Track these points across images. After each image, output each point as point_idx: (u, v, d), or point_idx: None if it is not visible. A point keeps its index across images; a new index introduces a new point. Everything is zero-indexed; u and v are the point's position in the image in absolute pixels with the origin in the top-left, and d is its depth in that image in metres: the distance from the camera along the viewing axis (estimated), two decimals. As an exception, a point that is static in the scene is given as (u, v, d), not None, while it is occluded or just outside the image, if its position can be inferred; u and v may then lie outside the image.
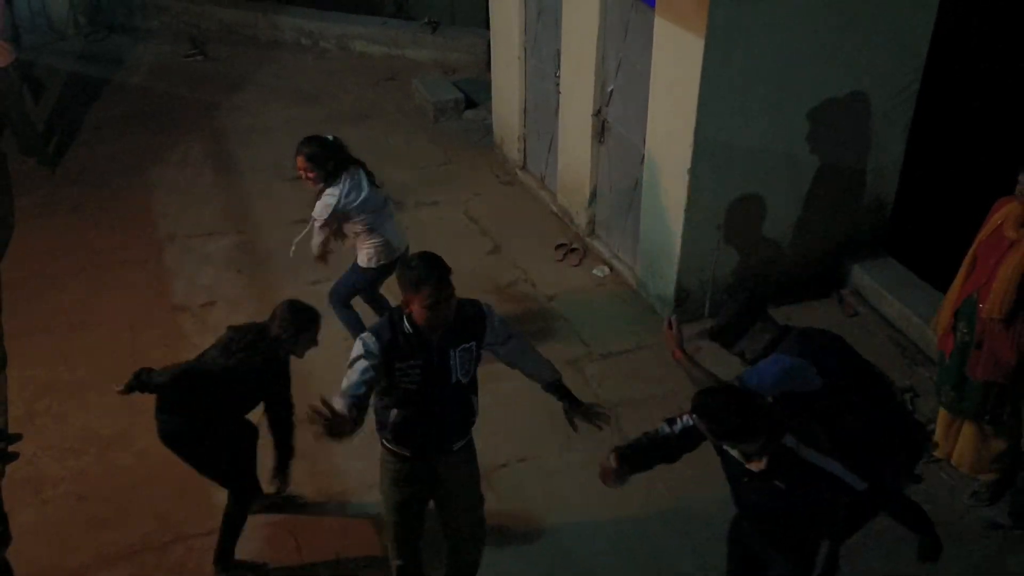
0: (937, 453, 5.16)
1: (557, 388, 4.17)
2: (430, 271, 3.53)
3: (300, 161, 5.46)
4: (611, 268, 7.11)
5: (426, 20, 11.09)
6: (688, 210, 6.01)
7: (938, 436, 5.13)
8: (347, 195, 5.44)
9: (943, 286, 5.13)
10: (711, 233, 6.15)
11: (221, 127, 9.43)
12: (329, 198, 5.44)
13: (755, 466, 3.38)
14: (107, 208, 8.01)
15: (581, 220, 7.49)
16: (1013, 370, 4.59)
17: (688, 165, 5.87)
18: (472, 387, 3.92)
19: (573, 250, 7.34)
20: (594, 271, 7.14)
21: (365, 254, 5.68)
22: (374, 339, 3.65)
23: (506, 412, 5.66)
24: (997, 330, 4.53)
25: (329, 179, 5.46)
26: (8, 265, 7.21)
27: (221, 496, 5.12)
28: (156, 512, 5.06)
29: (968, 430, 4.95)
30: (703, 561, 4.74)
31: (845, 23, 5.80)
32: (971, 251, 4.69)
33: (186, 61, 11.07)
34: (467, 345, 3.76)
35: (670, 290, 6.38)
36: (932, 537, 3.78)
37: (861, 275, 6.59)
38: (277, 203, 8.05)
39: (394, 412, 3.80)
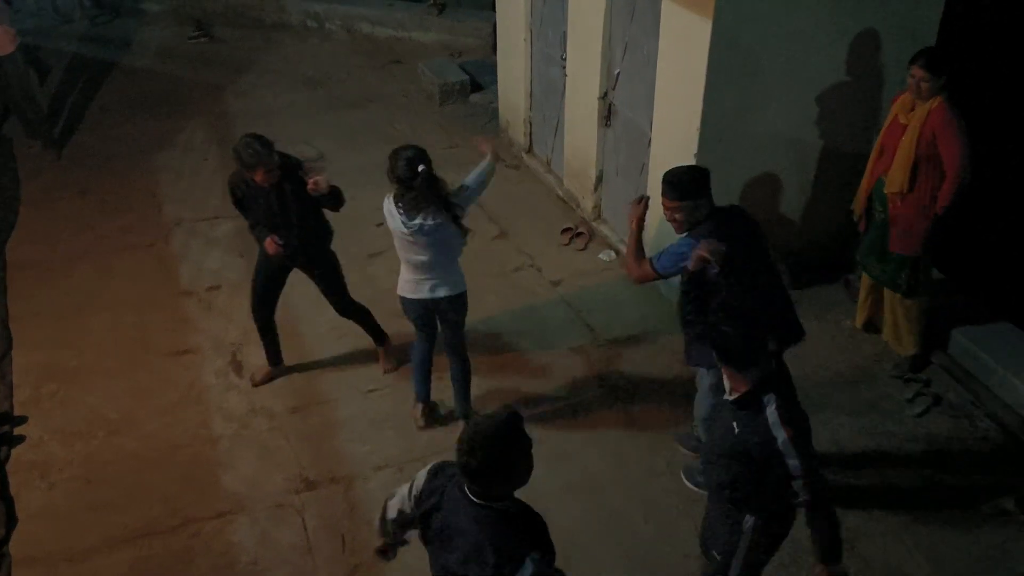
0: (856, 323, 6.12)
1: None
2: None
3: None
4: (617, 252, 7.08)
5: (432, 2, 11.03)
6: (695, 194, 5.97)
7: (859, 304, 6.08)
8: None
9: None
10: (718, 218, 6.11)
11: (226, 110, 9.41)
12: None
13: (732, 391, 3.43)
14: (113, 192, 8.00)
15: (587, 204, 7.46)
16: (925, 239, 5.36)
17: (695, 149, 5.82)
18: None
19: (579, 234, 7.31)
20: (600, 255, 7.11)
21: None
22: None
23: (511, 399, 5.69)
24: (903, 204, 5.33)
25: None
26: (14, 248, 7.21)
27: (227, 480, 5.15)
28: (162, 496, 5.07)
29: (887, 304, 5.76)
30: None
31: (853, 6, 5.74)
32: (877, 142, 5.54)
33: (191, 44, 11.05)
34: None
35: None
36: (837, 543, 3.65)
37: (869, 260, 6.56)
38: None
39: None
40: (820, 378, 5.76)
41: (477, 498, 2.92)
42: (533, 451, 2.94)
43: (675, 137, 6.03)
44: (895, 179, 5.30)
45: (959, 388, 5.68)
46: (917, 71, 5.12)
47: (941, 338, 5.88)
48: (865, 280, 5.99)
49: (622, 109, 6.78)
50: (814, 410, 5.49)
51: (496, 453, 2.83)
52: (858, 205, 5.75)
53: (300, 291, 5.96)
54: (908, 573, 4.58)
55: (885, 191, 5.41)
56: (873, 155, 5.59)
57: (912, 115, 5.22)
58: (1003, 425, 5.40)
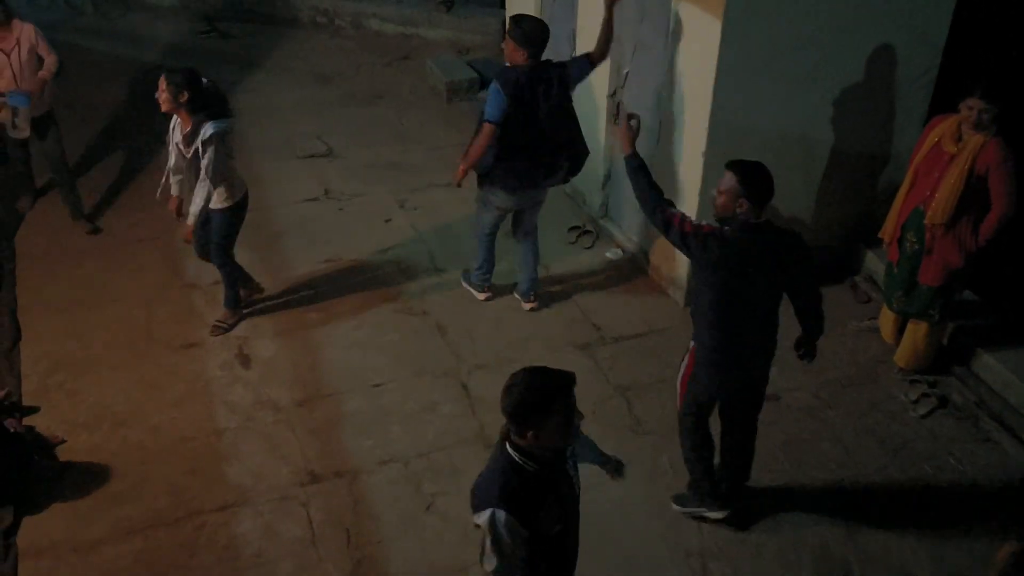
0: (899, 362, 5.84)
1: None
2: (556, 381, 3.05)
3: (170, 88, 5.46)
4: (624, 251, 7.09)
5: (441, -1, 11.05)
6: (702, 193, 5.97)
7: (887, 337, 5.96)
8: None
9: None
10: (725, 217, 6.11)
11: (234, 106, 9.36)
12: (221, 123, 5.65)
13: None
14: (121, 186, 8.02)
15: (595, 202, 7.46)
16: (960, 271, 5.27)
17: (703, 148, 5.84)
18: None
19: (586, 232, 7.32)
20: (607, 253, 7.12)
21: (225, 192, 5.88)
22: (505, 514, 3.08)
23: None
24: (942, 235, 5.19)
25: (196, 109, 5.56)
26: (23, 241, 7.24)
27: (232, 473, 5.18)
28: (169, 488, 5.09)
29: (911, 328, 5.67)
30: (711, 534, 4.78)
31: (863, 7, 5.73)
32: (911, 169, 5.35)
33: (201, 39, 11.08)
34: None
35: (683, 274, 6.36)
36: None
37: (875, 262, 6.55)
38: (288, 181, 8.07)
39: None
40: (824, 378, 5.76)
41: None
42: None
43: (683, 136, 6.04)
44: (939, 210, 5.12)
45: (964, 389, 5.68)
46: (975, 102, 4.91)
47: (964, 355, 5.85)
48: (891, 320, 5.85)
49: (631, 108, 6.77)
50: (818, 409, 5.56)
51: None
52: (887, 232, 5.56)
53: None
54: (910, 571, 4.59)
55: (925, 222, 5.22)
56: (906, 182, 5.39)
57: (962, 145, 5.03)
58: (1007, 426, 5.41)
